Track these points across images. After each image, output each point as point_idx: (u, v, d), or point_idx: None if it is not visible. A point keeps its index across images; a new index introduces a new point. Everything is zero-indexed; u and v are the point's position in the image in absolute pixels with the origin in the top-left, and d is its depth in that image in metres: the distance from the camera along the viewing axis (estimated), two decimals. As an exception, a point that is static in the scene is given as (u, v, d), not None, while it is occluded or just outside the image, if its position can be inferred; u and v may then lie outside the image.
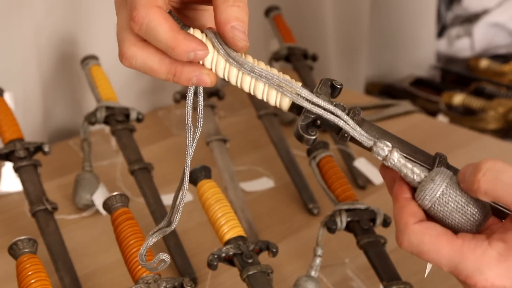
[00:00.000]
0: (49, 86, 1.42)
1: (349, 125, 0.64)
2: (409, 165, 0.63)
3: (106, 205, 0.91)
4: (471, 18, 2.25)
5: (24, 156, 1.08)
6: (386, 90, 2.06)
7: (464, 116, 1.86)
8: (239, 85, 0.65)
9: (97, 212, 1.15)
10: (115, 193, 0.91)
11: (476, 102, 1.86)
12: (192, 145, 0.66)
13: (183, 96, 1.33)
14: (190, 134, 0.66)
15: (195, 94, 0.65)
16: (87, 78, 1.30)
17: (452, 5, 2.26)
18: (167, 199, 1.14)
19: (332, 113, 0.64)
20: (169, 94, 1.41)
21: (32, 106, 1.35)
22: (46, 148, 1.11)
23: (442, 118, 1.79)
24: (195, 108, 0.66)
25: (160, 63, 0.63)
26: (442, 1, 2.22)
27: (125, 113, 1.21)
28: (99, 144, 1.36)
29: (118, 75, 1.42)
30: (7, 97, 1.21)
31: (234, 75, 0.64)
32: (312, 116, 0.64)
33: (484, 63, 2.12)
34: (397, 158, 0.63)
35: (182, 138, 1.39)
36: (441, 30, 2.27)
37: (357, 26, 1.90)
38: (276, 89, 0.64)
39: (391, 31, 2.06)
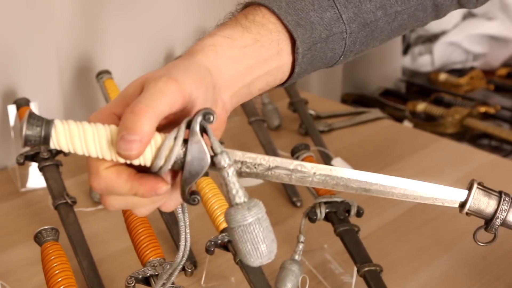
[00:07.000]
0: (69, 97, 1.41)
1: None
2: (238, 185, 0.57)
3: (118, 199, 0.90)
4: (431, 38, 2.26)
5: (48, 157, 1.08)
6: (359, 100, 2.06)
7: (426, 122, 1.87)
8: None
9: (111, 205, 1.15)
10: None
11: (436, 110, 1.87)
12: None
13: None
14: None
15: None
16: (101, 90, 1.29)
17: (415, 27, 2.26)
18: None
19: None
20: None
21: (54, 114, 1.35)
22: (66, 150, 1.10)
23: (407, 124, 1.79)
24: None
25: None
26: (406, 23, 2.22)
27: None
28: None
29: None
30: (32, 106, 1.21)
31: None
32: None
33: (442, 76, 2.13)
34: (231, 173, 0.57)
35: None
36: (406, 48, 2.28)
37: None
38: None
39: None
